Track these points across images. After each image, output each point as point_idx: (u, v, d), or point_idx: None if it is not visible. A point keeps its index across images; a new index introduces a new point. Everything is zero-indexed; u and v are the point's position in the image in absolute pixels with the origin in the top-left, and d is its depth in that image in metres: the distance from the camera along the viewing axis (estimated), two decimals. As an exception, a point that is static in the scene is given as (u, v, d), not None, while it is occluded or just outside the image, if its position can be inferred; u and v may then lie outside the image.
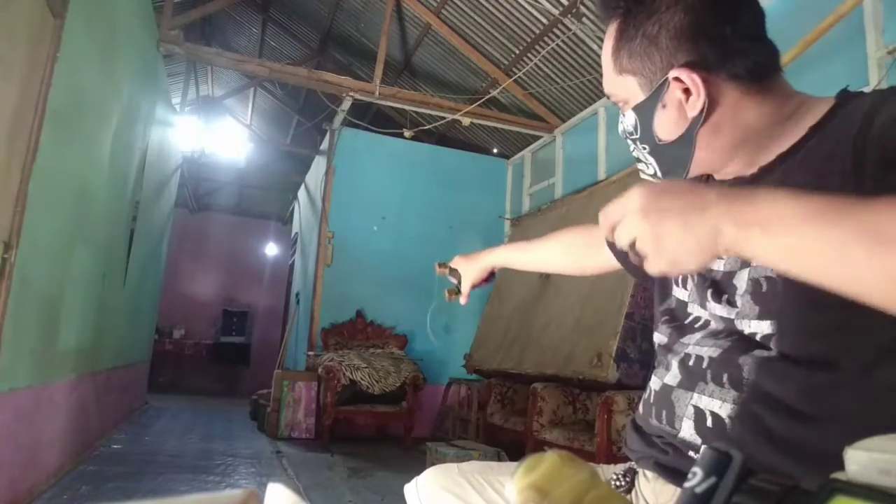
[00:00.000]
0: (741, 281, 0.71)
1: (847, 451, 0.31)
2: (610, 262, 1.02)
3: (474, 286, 1.21)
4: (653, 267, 0.56)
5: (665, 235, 0.53)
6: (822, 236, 0.47)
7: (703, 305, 0.77)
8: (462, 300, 1.22)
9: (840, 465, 0.31)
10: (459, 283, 1.22)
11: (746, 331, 0.69)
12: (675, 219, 0.52)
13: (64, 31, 2.52)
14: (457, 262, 1.23)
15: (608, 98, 0.80)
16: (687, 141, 0.72)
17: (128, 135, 4.03)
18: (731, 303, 0.71)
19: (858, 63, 2.74)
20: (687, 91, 0.69)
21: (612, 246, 0.99)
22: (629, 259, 0.95)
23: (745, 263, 0.71)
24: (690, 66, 0.68)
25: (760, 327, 0.67)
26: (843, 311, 0.61)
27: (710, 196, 0.52)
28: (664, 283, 0.87)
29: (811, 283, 0.53)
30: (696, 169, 0.75)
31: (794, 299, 0.64)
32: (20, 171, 2.29)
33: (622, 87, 0.75)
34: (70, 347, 3.22)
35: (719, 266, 0.75)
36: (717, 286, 0.75)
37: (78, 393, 3.44)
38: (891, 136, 0.59)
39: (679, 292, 0.83)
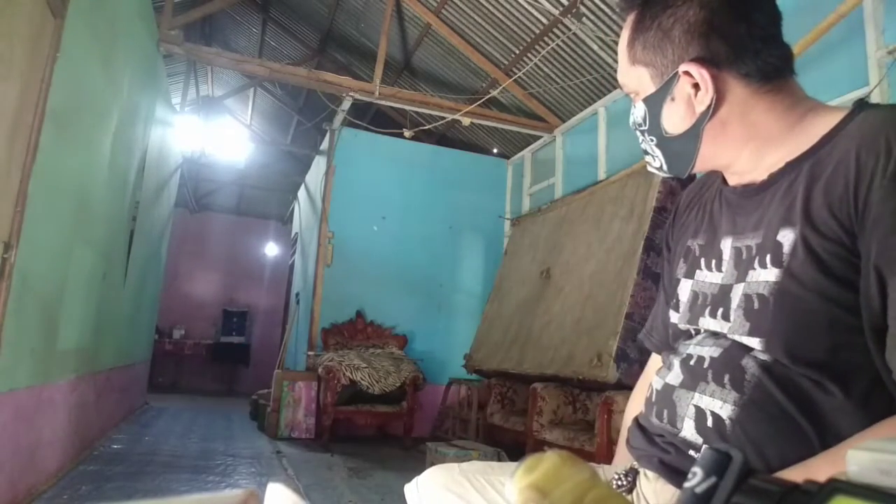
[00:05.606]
0: (736, 295, 0.71)
1: (847, 451, 0.31)
2: None
3: None
4: None
5: None
6: None
7: (695, 322, 0.78)
8: None
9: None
10: None
11: (740, 342, 0.70)
12: None
13: (64, 31, 2.51)
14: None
15: (621, 89, 0.80)
16: (693, 135, 0.72)
17: (128, 135, 4.03)
18: (726, 317, 0.72)
19: (858, 63, 2.74)
20: (696, 86, 0.70)
21: None
22: None
23: (741, 278, 0.71)
24: (701, 61, 0.69)
25: (752, 342, 0.68)
26: (830, 336, 0.61)
27: None
28: (665, 310, 0.88)
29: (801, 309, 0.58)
30: (701, 164, 0.76)
31: (783, 321, 0.64)
32: (20, 171, 2.29)
33: (635, 77, 0.76)
34: (70, 347, 3.22)
35: (716, 279, 0.76)
36: (713, 301, 0.75)
37: (78, 393, 3.44)
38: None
39: (673, 316, 0.84)
